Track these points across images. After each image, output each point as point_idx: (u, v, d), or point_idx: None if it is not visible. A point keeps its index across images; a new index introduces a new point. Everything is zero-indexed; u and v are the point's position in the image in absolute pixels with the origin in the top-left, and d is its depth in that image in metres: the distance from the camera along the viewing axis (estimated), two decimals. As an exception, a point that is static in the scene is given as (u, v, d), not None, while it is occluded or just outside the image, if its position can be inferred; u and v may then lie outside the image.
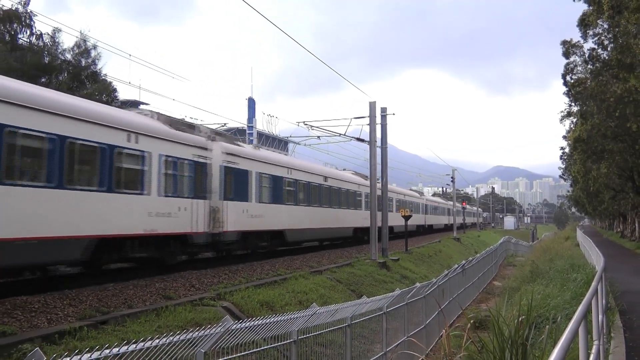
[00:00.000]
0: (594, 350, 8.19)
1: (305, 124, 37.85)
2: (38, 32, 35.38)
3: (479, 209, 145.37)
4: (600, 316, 9.94)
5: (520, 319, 9.13)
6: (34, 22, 34.64)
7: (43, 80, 33.28)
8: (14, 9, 33.20)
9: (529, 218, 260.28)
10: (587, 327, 6.52)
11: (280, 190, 32.23)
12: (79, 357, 5.77)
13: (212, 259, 27.73)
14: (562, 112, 49.79)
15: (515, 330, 8.77)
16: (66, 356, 5.70)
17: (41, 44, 35.94)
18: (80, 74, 38.46)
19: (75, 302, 14.71)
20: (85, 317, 13.18)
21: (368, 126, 35.89)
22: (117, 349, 6.29)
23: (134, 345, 6.54)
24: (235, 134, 63.43)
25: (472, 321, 14.08)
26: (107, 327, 12.54)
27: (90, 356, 5.91)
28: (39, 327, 12.09)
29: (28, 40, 35.00)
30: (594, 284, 9.90)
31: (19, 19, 33.79)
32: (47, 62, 36.22)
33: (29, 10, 34.08)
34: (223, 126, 43.68)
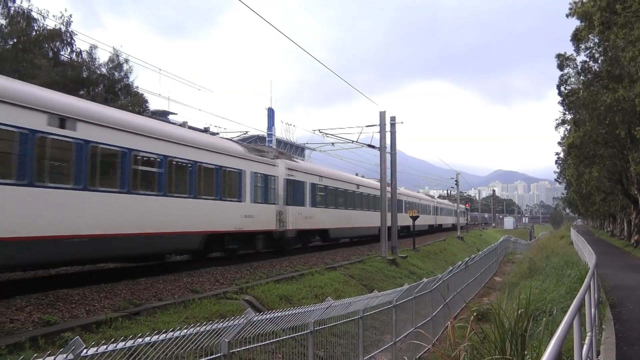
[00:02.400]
0: (587, 340, 8.16)
1: (321, 132, 37.93)
2: (78, 50, 35.73)
3: (467, 208, 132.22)
4: (592, 309, 9.91)
5: (519, 311, 9.09)
6: (75, 41, 34.98)
7: (81, 92, 33.55)
8: (57, 28, 33.51)
9: (527, 218, 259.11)
10: (581, 320, 6.49)
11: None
12: (114, 345, 5.80)
13: (235, 256, 27.77)
14: (557, 120, 49.64)
15: (515, 322, 8.74)
16: (103, 344, 5.74)
17: (80, 60, 36.22)
18: (114, 87, 38.75)
19: (111, 295, 14.78)
20: (119, 308, 13.26)
21: (378, 133, 35.91)
22: (149, 338, 6.33)
23: (164, 335, 6.58)
24: (256, 141, 63.56)
25: (475, 314, 14.00)
26: (139, 318, 12.60)
27: (125, 344, 5.94)
28: (78, 318, 12.17)
29: (69, 57, 35.28)
30: (587, 280, 9.85)
31: (61, 37, 34.07)
32: (85, 76, 36.51)
33: (70, 30, 34.39)
34: (245, 134, 43.69)
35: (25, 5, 31.38)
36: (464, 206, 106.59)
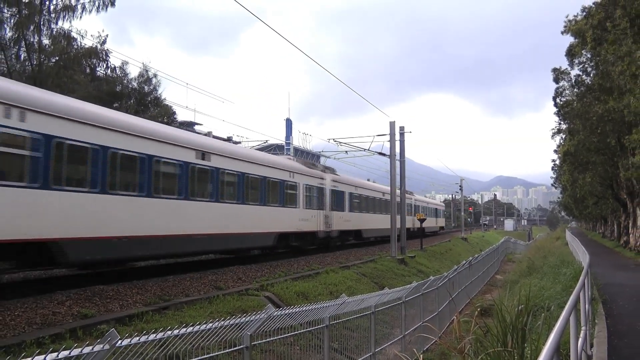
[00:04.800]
0: (582, 334, 8.13)
1: (335, 141, 37.95)
2: (112, 66, 35.98)
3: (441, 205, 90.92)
4: (587, 306, 9.86)
5: (519, 307, 9.04)
6: (109, 58, 35.25)
7: (115, 105, 33.81)
8: (94, 46, 33.80)
9: (525, 221, 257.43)
10: (576, 316, 6.45)
11: None
12: (146, 336, 5.82)
13: (255, 256, 27.77)
14: (553, 129, 49.79)
15: (516, 317, 8.67)
16: (136, 336, 5.76)
17: (114, 75, 36.47)
18: (144, 99, 38.95)
19: (142, 290, 14.84)
20: (150, 303, 13.30)
21: (389, 142, 35.87)
22: (177, 331, 6.34)
23: (191, 328, 6.59)
24: (275, 150, 63.62)
25: (478, 309, 13.93)
26: (168, 312, 12.62)
27: (156, 336, 5.96)
28: (113, 311, 12.22)
29: (104, 73, 35.56)
30: (581, 278, 9.82)
31: (97, 55, 34.35)
32: (118, 90, 36.76)
33: (105, 48, 34.68)
34: (265, 142, 43.70)
35: (66, 26, 31.74)
36: (441, 203, 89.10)
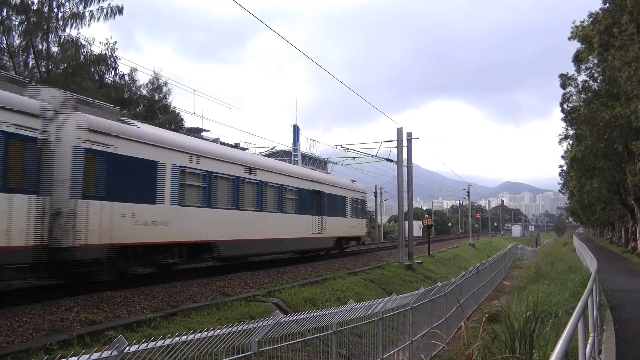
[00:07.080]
0: (590, 340, 8.08)
1: (342, 147, 38.02)
2: (121, 73, 36.07)
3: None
4: (595, 312, 9.80)
5: (527, 313, 9.01)
6: (118, 65, 35.34)
7: (124, 112, 33.93)
8: (102, 54, 33.89)
9: (533, 227, 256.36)
10: (584, 322, 6.42)
11: None
12: (154, 343, 5.82)
13: (263, 262, 27.78)
14: (560, 135, 49.56)
15: (524, 323, 8.66)
16: (144, 342, 5.76)
17: (123, 82, 36.55)
18: (153, 106, 39.03)
19: (150, 297, 14.84)
20: (157, 309, 13.31)
21: (396, 148, 35.86)
22: (185, 337, 6.34)
23: (199, 334, 6.59)
24: (282, 156, 63.77)
25: (486, 315, 13.91)
26: (175, 318, 12.64)
27: (163, 342, 5.96)
28: (120, 317, 12.24)
29: (113, 80, 35.64)
30: (589, 284, 9.76)
31: (106, 62, 34.43)
32: (127, 97, 36.82)
33: (115, 56, 34.78)
34: (272, 149, 43.80)
35: (74, 33, 31.88)
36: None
